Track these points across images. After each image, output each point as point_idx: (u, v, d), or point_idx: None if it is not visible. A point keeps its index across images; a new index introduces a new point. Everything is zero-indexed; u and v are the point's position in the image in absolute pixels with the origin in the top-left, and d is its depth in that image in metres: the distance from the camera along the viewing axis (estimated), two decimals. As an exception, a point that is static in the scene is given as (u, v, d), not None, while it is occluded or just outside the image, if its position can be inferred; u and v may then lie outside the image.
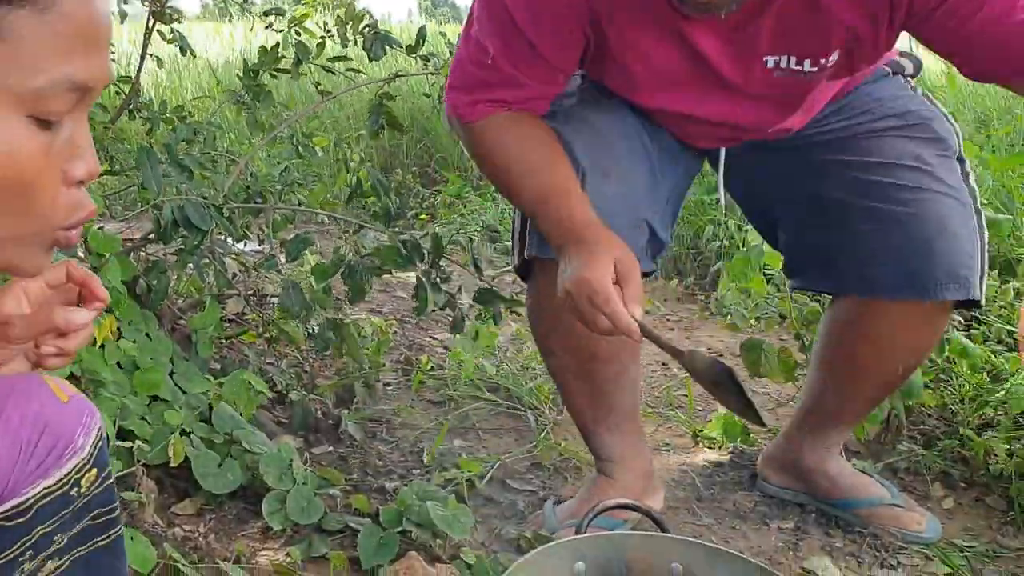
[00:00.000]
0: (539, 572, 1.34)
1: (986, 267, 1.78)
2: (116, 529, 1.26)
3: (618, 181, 1.74)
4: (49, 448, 1.09)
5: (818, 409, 2.10)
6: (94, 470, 1.15)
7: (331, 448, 2.31)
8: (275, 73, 2.74)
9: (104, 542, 1.24)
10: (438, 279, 2.39)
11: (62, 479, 1.11)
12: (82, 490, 1.15)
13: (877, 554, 2.05)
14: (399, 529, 1.87)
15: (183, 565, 1.67)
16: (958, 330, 2.71)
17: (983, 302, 1.81)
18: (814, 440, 2.12)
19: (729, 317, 3.31)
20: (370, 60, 2.73)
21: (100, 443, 1.17)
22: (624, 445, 1.99)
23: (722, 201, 1.96)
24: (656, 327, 3.38)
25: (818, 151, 1.85)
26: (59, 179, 0.87)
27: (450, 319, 2.52)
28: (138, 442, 1.86)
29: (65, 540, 1.17)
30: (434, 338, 3.16)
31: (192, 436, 1.98)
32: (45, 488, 1.10)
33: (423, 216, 4.73)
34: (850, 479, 2.14)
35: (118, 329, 2.10)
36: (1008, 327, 2.69)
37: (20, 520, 1.09)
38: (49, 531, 1.13)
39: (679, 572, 1.37)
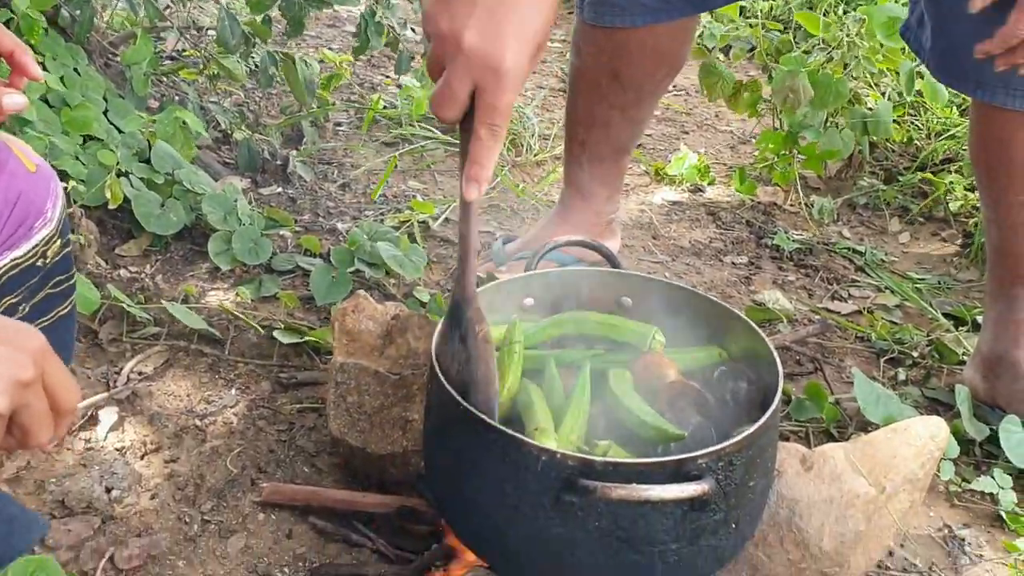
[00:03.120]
0: (487, 308, 1.31)
1: None
2: (73, 296, 1.23)
3: None
4: (20, 220, 1.05)
5: (998, 255, 1.63)
6: (59, 240, 1.11)
7: (280, 189, 2.24)
8: None
9: (65, 310, 1.22)
10: (383, 16, 2.23)
11: (31, 250, 1.07)
12: (47, 261, 1.12)
13: (828, 287, 2.07)
14: (352, 269, 1.84)
15: (128, 305, 1.64)
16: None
17: None
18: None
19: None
20: None
21: (64, 213, 1.13)
22: (597, 180, 1.90)
23: None
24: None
25: None
26: None
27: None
28: (72, 182, 1.78)
29: (28, 309, 1.15)
30: (387, 76, 3.01)
31: (131, 176, 1.90)
32: (14, 259, 1.06)
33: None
34: None
35: (41, 63, 1.96)
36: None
37: None
38: (15, 301, 1.10)
39: (629, 305, 1.35)
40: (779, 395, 1.08)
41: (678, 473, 0.96)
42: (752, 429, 1.01)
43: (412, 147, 2.52)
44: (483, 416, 1.02)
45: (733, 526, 1.04)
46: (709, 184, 2.48)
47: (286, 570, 1.25)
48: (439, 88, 0.94)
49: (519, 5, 0.92)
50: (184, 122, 1.93)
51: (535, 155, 2.54)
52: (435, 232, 2.14)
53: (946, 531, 1.43)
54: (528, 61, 0.93)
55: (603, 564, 1.00)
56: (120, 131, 1.99)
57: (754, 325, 1.21)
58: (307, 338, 1.65)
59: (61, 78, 1.96)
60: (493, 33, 0.90)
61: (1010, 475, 1.50)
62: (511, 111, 0.95)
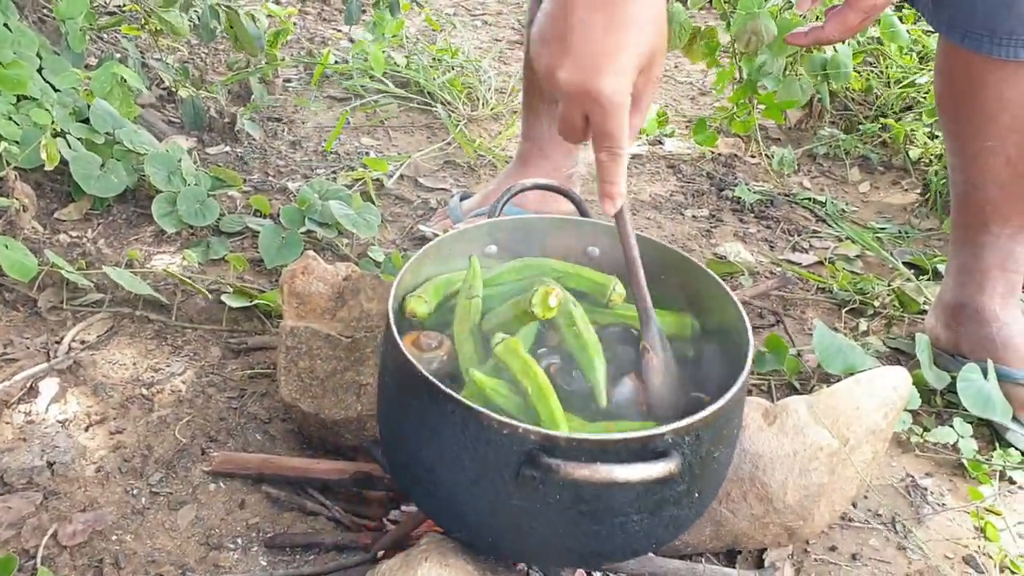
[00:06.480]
0: (448, 256, 1.26)
1: None
2: None
3: None
4: None
5: (963, 202, 1.59)
6: None
7: (228, 148, 2.16)
8: None
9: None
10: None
11: None
12: None
13: (790, 238, 2.04)
14: (303, 229, 1.79)
15: (68, 272, 1.57)
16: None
17: None
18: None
19: None
20: None
21: None
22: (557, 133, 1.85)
23: None
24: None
25: None
26: None
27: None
28: (5, 144, 1.70)
29: None
30: (338, 30, 2.93)
31: (68, 137, 1.82)
32: None
33: None
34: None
35: (-30, 20, 1.86)
36: None
37: None
38: None
39: (596, 255, 1.31)
40: (748, 366, 1.05)
41: (644, 450, 0.92)
42: (721, 403, 0.97)
43: (364, 102, 2.45)
44: (441, 385, 0.97)
45: (696, 495, 1.01)
46: (669, 136, 2.44)
47: (239, 541, 1.21)
48: (559, 118, 0.99)
49: (615, 30, 0.91)
50: (122, 78, 1.85)
51: (491, 109, 2.48)
52: (389, 190, 2.08)
53: (909, 481, 1.43)
54: (630, 81, 0.93)
55: (563, 534, 0.97)
56: (56, 89, 1.91)
57: (722, 283, 1.17)
58: (257, 301, 1.60)
59: (-9, 34, 1.87)
60: (585, 66, 0.92)
61: (970, 423, 1.50)
62: (626, 131, 0.97)
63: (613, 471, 0.90)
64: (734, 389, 1.00)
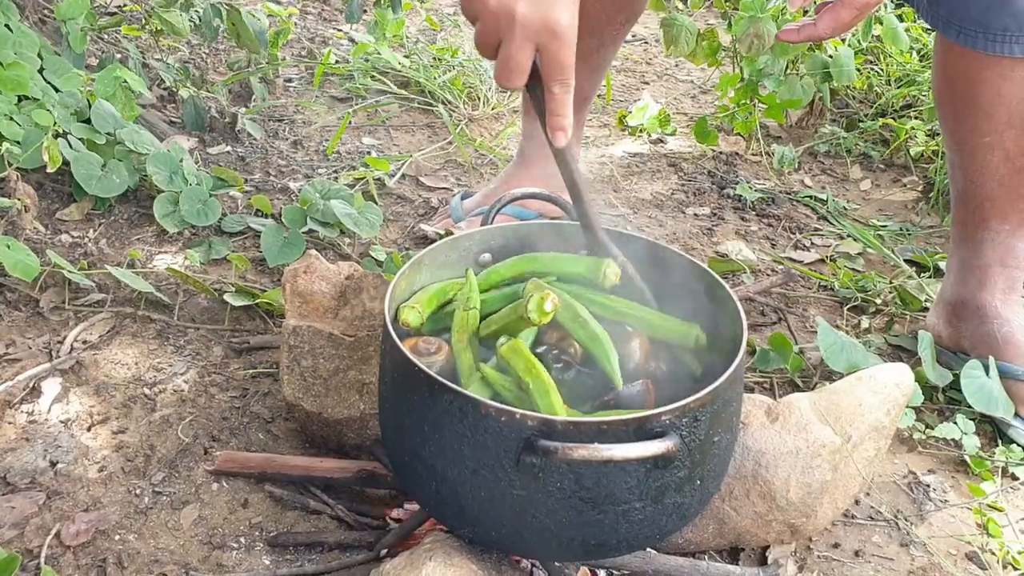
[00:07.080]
0: (443, 263, 1.27)
1: None
2: None
3: None
4: None
5: (962, 199, 1.60)
6: None
7: (229, 148, 2.16)
8: None
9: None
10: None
11: None
12: None
13: (791, 236, 2.04)
14: (304, 229, 1.79)
15: (69, 272, 1.57)
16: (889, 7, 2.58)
17: None
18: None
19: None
20: None
21: None
22: None
23: None
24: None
25: None
26: None
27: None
28: (6, 144, 1.70)
29: None
30: (338, 29, 2.93)
31: (70, 137, 1.82)
32: None
33: None
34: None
35: (-30, 20, 1.86)
36: None
37: None
38: None
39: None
40: (743, 349, 1.05)
41: (641, 431, 0.93)
42: (716, 384, 0.98)
43: (366, 102, 2.45)
44: (439, 377, 0.98)
45: (698, 482, 1.02)
46: (670, 135, 2.44)
47: (242, 540, 1.21)
48: (502, 62, 1.01)
49: None
50: (125, 80, 1.85)
51: (492, 108, 2.48)
52: (391, 189, 2.08)
53: (911, 478, 1.43)
54: (577, 11, 0.99)
55: (566, 525, 0.98)
56: (57, 90, 1.91)
57: (716, 275, 1.18)
58: (259, 300, 1.60)
59: (-9, 35, 1.87)
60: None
61: (972, 420, 1.50)
62: (574, 62, 1.02)
63: (611, 450, 0.91)
64: (730, 370, 1.01)
